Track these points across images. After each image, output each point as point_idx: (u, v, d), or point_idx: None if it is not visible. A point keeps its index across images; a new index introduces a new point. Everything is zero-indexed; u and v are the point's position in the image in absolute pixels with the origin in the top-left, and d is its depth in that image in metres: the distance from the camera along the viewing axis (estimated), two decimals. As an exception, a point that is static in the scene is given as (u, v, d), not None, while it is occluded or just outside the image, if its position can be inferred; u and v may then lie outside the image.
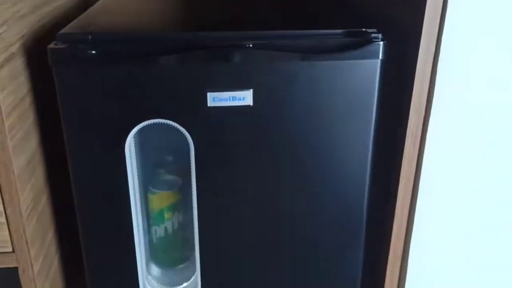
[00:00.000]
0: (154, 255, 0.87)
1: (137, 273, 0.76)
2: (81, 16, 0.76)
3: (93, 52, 0.63)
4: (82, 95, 0.65)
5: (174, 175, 0.85)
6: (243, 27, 0.70)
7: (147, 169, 0.82)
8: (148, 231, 0.86)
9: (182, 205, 0.84)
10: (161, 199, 0.84)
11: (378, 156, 0.72)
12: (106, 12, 0.81)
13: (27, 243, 0.67)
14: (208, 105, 0.66)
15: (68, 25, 0.70)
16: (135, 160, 0.72)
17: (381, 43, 0.65)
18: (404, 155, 0.69)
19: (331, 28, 0.67)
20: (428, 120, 0.67)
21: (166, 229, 0.85)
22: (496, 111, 0.68)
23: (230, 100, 0.66)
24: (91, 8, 0.83)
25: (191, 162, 0.69)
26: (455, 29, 0.64)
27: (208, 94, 0.65)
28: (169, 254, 0.88)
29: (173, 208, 0.84)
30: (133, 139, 0.69)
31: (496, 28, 0.64)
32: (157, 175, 0.85)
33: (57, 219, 0.81)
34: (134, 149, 0.71)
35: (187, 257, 0.87)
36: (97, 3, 0.87)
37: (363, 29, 0.67)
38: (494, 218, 0.76)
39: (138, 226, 0.75)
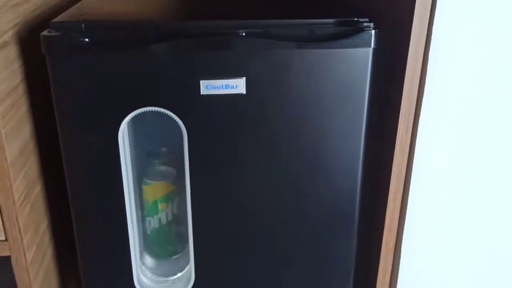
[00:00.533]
0: (148, 246, 0.87)
1: (130, 263, 0.76)
2: (75, 6, 0.76)
3: (86, 40, 0.64)
4: (75, 83, 0.65)
5: (169, 166, 0.85)
6: (236, 16, 0.70)
7: (141, 159, 0.83)
8: (142, 222, 0.86)
9: (177, 196, 0.84)
10: (155, 190, 0.84)
11: (370, 146, 0.72)
12: (99, 1, 0.81)
13: (20, 231, 0.67)
14: (201, 93, 0.66)
15: (62, 14, 0.71)
16: (128, 150, 0.72)
17: (373, 31, 0.66)
18: (396, 143, 0.69)
19: (323, 18, 0.68)
20: (420, 108, 0.67)
21: (160, 220, 0.85)
22: (490, 99, 0.69)
23: (223, 88, 0.66)
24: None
25: (184, 150, 0.69)
26: (445, 19, 0.64)
27: (201, 82, 0.65)
28: (162, 245, 0.88)
29: (167, 199, 0.84)
30: (126, 128, 0.69)
31: (487, 17, 0.65)
32: (151, 166, 0.85)
33: (51, 208, 0.81)
34: (128, 138, 0.71)
35: (181, 248, 0.87)
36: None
37: (355, 19, 0.68)
38: (489, 209, 0.76)
39: (131, 216, 0.75)
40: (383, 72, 0.71)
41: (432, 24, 0.65)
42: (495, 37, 0.66)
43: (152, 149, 0.85)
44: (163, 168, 0.85)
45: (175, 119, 0.67)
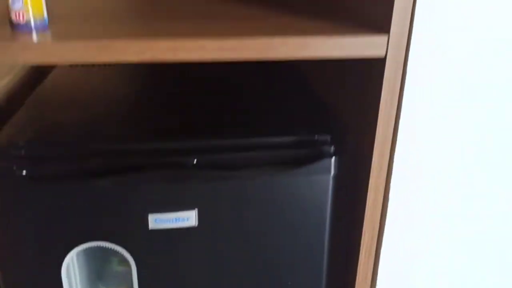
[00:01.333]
0: None
1: None
2: (16, 116, 0.70)
3: (23, 173, 0.59)
4: (8, 217, 0.60)
5: (127, 266, 0.80)
6: (184, 137, 0.64)
7: (96, 261, 0.78)
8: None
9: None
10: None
11: (332, 274, 0.68)
12: (44, 107, 0.74)
13: None
14: (150, 228, 0.61)
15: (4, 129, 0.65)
16: (77, 279, 0.67)
17: (333, 158, 0.62)
18: (358, 272, 0.66)
19: (279, 133, 0.64)
20: (381, 242, 0.64)
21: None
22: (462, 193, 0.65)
23: (173, 221, 0.62)
24: (29, 99, 0.76)
25: (133, 283, 0.65)
26: (410, 134, 0.60)
27: (150, 216, 0.61)
28: None
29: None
30: (75, 260, 0.65)
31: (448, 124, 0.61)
32: (107, 269, 0.80)
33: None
34: (77, 269, 0.66)
35: None
36: (39, 88, 0.81)
37: (315, 137, 0.64)
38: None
39: None
40: (345, 196, 0.67)
41: (396, 140, 0.60)
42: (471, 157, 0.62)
43: (108, 252, 0.80)
44: (121, 268, 0.81)
45: (122, 252, 0.63)
